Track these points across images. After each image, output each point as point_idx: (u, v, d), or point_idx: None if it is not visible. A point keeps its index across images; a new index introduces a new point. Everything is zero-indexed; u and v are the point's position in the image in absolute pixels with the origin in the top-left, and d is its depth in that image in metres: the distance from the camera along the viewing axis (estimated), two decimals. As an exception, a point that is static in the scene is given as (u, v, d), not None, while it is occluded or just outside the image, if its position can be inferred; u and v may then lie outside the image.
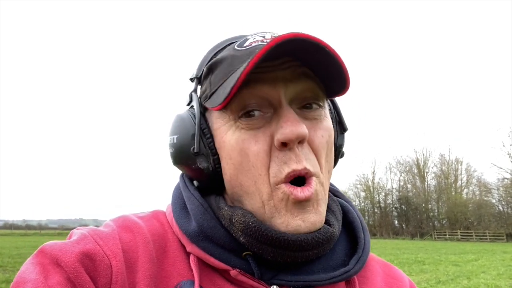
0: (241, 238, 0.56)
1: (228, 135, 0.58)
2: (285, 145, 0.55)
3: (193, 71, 0.69)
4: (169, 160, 0.65)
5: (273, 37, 0.59)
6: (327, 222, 0.61)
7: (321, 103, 0.60)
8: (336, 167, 0.69)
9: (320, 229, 0.57)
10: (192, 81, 0.68)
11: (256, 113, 0.56)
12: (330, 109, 0.67)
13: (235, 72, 0.55)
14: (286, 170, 0.55)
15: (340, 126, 0.68)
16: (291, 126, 0.53)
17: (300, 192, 0.54)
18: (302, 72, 0.57)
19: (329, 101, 0.68)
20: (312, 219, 0.55)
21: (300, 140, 0.55)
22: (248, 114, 0.57)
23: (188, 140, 0.61)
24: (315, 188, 0.56)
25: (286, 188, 0.55)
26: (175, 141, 0.63)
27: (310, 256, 0.56)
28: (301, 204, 0.55)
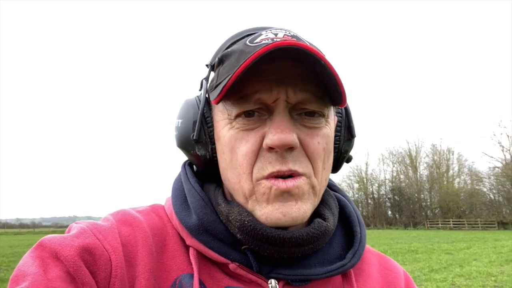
0: (238, 235, 0.57)
1: (224, 131, 0.59)
2: (273, 149, 0.55)
3: (209, 57, 0.70)
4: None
5: (286, 36, 0.57)
6: (321, 216, 0.62)
7: (324, 112, 0.59)
8: (338, 170, 0.69)
9: (314, 224, 0.59)
10: (208, 67, 0.69)
11: (255, 114, 0.57)
12: (340, 114, 0.67)
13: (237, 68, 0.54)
14: (270, 169, 0.55)
15: (348, 132, 0.68)
16: (280, 133, 0.54)
17: (282, 183, 0.55)
18: (304, 77, 0.56)
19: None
20: (294, 215, 0.55)
21: (290, 147, 0.55)
22: (247, 113, 0.57)
23: (190, 126, 0.63)
24: (300, 184, 0.56)
25: (268, 182, 0.55)
26: (179, 125, 0.66)
27: (306, 251, 0.58)
28: (283, 196, 0.55)
